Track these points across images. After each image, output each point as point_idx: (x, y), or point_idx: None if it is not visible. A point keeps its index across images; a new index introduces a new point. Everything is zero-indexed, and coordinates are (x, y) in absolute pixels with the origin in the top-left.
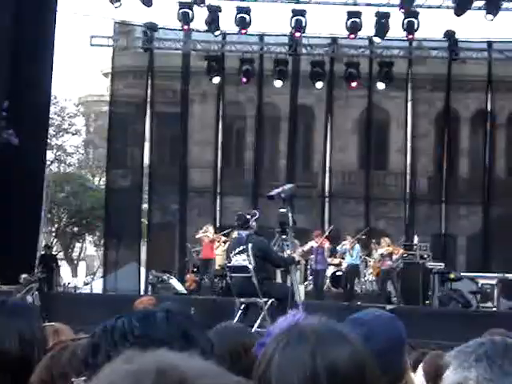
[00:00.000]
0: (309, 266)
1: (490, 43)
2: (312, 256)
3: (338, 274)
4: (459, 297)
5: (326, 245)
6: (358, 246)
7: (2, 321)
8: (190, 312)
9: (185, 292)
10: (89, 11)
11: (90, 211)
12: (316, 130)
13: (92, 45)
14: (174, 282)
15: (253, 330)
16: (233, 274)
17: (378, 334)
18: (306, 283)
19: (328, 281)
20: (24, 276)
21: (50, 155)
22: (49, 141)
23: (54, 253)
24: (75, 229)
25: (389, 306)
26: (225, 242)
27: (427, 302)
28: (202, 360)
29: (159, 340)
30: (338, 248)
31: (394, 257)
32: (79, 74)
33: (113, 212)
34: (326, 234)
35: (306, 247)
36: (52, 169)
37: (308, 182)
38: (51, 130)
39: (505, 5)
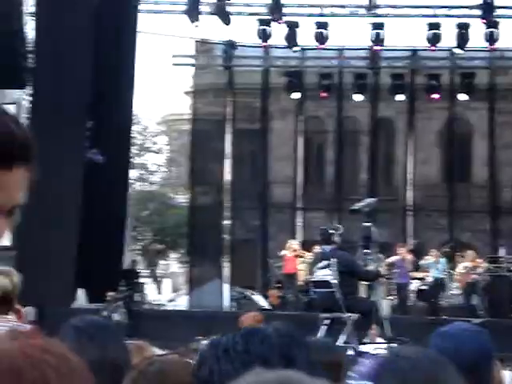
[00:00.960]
0: (393, 281)
1: None
2: (395, 270)
3: (423, 287)
4: None
5: (409, 258)
6: (443, 260)
7: (90, 338)
8: (296, 332)
9: (268, 308)
10: (170, 31)
11: (173, 228)
12: (397, 143)
13: (174, 64)
14: (258, 298)
15: (338, 344)
16: (316, 289)
17: (466, 347)
18: (390, 298)
19: (413, 295)
20: (110, 294)
21: (133, 174)
22: (132, 160)
23: (137, 269)
24: (159, 246)
25: (476, 320)
26: (306, 257)
27: None
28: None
29: (259, 357)
30: (422, 262)
31: (478, 270)
32: (162, 94)
33: (196, 229)
34: (410, 247)
35: (389, 261)
36: (135, 187)
37: (390, 196)
38: (134, 149)
39: None
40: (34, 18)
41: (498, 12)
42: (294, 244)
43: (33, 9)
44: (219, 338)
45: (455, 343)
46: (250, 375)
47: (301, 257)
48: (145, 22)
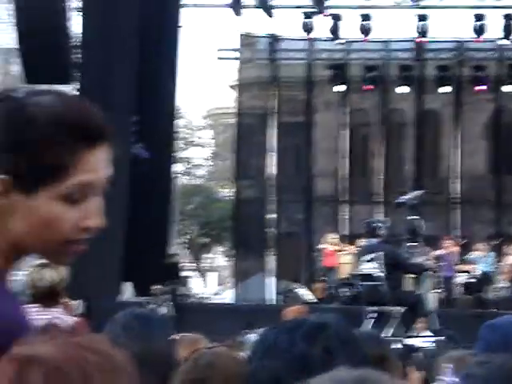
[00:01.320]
0: (439, 274)
1: None
2: (441, 263)
3: (471, 281)
4: None
5: (455, 251)
6: (492, 253)
7: (135, 332)
8: (343, 326)
9: (314, 301)
10: (215, 24)
11: (218, 222)
12: (443, 135)
13: (219, 58)
14: (303, 291)
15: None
16: (362, 282)
17: None
18: (437, 291)
19: (460, 288)
20: (157, 287)
21: (178, 168)
22: (177, 154)
23: (179, 262)
24: (205, 240)
25: None
26: (347, 251)
27: None
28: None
29: (302, 353)
30: (469, 256)
31: None
32: (207, 87)
33: (241, 222)
34: (459, 242)
35: (435, 254)
36: (181, 181)
37: (436, 189)
38: (180, 143)
39: None
40: (80, 13)
41: None
42: (334, 238)
43: (77, 4)
44: (266, 333)
45: (504, 336)
46: (328, 374)
47: (340, 251)
48: (190, 17)
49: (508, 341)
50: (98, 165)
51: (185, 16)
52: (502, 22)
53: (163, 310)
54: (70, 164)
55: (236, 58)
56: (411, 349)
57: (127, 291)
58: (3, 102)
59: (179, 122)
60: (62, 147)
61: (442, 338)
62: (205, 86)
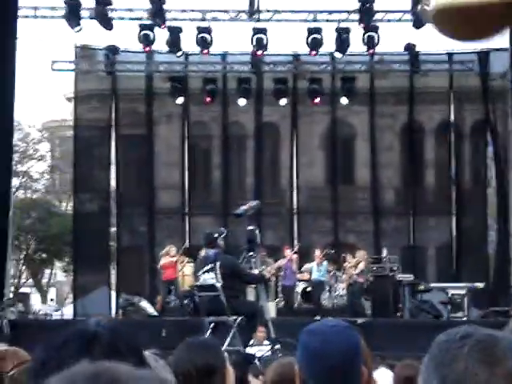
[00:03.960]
0: (279, 283)
1: (450, 55)
2: (282, 273)
3: (308, 289)
4: (430, 308)
5: (294, 260)
6: (325, 263)
7: None
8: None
9: (156, 314)
10: (49, 36)
11: (57, 237)
12: (282, 147)
13: (54, 69)
14: (145, 305)
15: (223, 348)
16: (201, 294)
17: (332, 344)
18: (277, 300)
19: (299, 297)
20: None
21: (15, 182)
22: (14, 167)
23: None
24: (44, 255)
25: (360, 320)
26: (189, 262)
27: (398, 314)
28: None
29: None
30: (304, 266)
31: (357, 270)
32: (42, 100)
33: (81, 237)
34: (294, 250)
35: (277, 265)
36: (18, 195)
37: (276, 199)
38: (16, 157)
39: None
40: None
41: (378, 16)
42: (173, 249)
43: None
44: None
45: (322, 340)
46: (66, 371)
47: (181, 262)
48: (24, 28)
49: (325, 345)
50: None
51: (19, 27)
52: (335, 35)
53: None
54: None
55: (72, 70)
56: (249, 357)
57: None
58: None
59: (15, 135)
60: None
61: (279, 346)
62: (40, 97)
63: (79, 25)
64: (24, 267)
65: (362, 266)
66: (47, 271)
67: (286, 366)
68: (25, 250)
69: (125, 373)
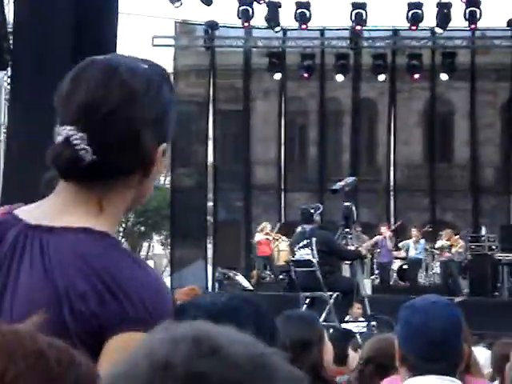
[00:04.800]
0: (375, 260)
1: None
2: (378, 250)
3: (404, 267)
4: None
5: (390, 238)
6: (423, 241)
7: None
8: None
9: (251, 288)
10: (150, 12)
11: (156, 210)
12: (379, 124)
13: (154, 45)
14: (241, 279)
15: None
16: (297, 269)
17: (434, 320)
18: (372, 277)
19: (395, 274)
20: None
21: None
22: None
23: None
24: (142, 228)
25: (457, 299)
26: (285, 238)
27: (496, 293)
28: (239, 332)
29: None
30: (402, 243)
31: (454, 249)
32: None
33: (178, 211)
34: (393, 227)
35: (373, 240)
36: None
37: (372, 176)
38: None
39: None
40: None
41: None
42: (267, 226)
43: None
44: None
45: (423, 316)
46: (162, 329)
47: (276, 240)
48: (125, 3)
49: (427, 320)
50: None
51: (120, 3)
52: (436, 10)
53: None
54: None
55: (172, 46)
56: (348, 333)
57: None
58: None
59: None
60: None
61: (375, 323)
62: None
63: (179, 0)
64: (123, 240)
65: (461, 244)
66: (145, 244)
67: (384, 341)
68: (124, 223)
69: (225, 337)
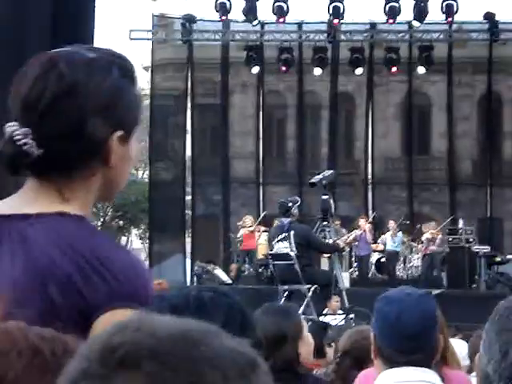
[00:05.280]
0: (354, 253)
1: None
2: (356, 243)
3: (382, 260)
4: (506, 280)
5: (368, 229)
6: (400, 233)
7: None
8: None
9: (230, 282)
10: (127, 5)
11: (134, 204)
12: (357, 117)
13: (131, 38)
14: (219, 272)
15: None
16: (275, 262)
17: (408, 311)
18: (351, 270)
19: (373, 267)
20: None
21: None
22: None
23: None
24: (120, 222)
25: (435, 291)
26: (265, 231)
27: (474, 285)
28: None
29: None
30: (381, 235)
31: (437, 242)
32: None
33: (156, 205)
34: (370, 220)
35: (352, 236)
36: None
37: (350, 169)
38: None
39: None
40: None
41: None
42: (248, 220)
43: None
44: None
45: (397, 307)
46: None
47: (257, 231)
48: None
49: (401, 312)
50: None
51: None
52: (413, 3)
53: None
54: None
55: (149, 39)
56: (326, 326)
57: None
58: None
59: None
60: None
61: (353, 315)
62: None
63: None
64: None
65: (439, 237)
66: (123, 238)
67: (360, 333)
68: (102, 217)
69: (162, 321)
